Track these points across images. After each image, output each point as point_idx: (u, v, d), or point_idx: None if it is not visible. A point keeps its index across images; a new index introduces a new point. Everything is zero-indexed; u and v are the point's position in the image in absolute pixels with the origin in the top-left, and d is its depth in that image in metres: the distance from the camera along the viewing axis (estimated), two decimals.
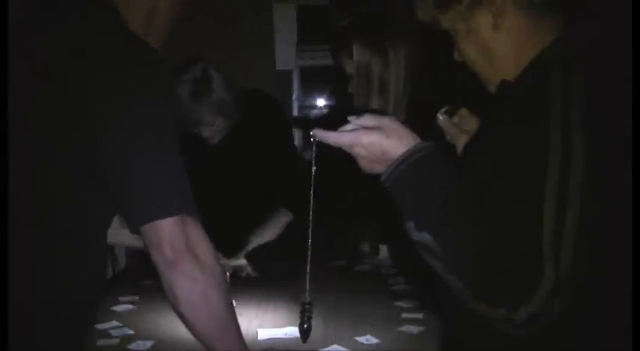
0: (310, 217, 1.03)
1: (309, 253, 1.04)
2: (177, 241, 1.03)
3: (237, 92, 2.21)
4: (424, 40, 1.08)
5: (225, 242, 1.75)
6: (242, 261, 2.02)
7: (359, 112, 1.00)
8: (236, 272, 2.00)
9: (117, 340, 1.59)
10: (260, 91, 2.42)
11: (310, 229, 1.03)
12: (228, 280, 1.72)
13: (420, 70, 1.73)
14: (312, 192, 1.02)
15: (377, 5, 1.84)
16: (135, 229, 1.05)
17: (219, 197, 2.17)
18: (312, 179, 1.01)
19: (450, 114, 1.33)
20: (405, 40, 1.71)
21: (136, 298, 1.93)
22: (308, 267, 1.04)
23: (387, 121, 0.97)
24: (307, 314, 1.06)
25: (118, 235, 1.33)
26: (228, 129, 2.25)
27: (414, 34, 1.39)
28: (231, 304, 1.12)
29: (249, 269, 2.03)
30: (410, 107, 1.73)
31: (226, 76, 2.19)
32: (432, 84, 1.67)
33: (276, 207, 2.13)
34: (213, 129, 2.21)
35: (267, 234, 2.07)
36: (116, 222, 1.21)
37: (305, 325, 1.06)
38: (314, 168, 1.01)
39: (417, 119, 1.34)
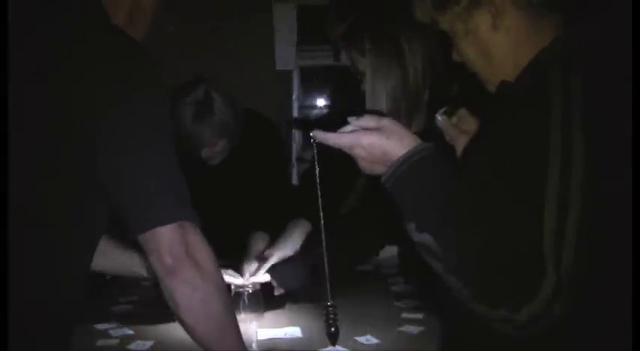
0: (321, 219, 1.02)
1: (324, 254, 1.03)
2: (176, 248, 1.02)
3: (240, 113, 2.21)
4: (441, 36, 1.06)
5: (223, 257, 1.67)
6: (265, 277, 1.85)
7: (359, 113, 1.00)
8: (257, 290, 1.74)
9: (117, 340, 1.59)
10: (258, 113, 2.42)
11: (322, 230, 1.02)
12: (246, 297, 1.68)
13: (439, 67, 1.68)
14: (319, 192, 1.01)
15: (376, 5, 1.82)
16: (133, 237, 1.05)
17: (215, 216, 2.15)
18: (317, 180, 1.01)
19: (449, 114, 1.33)
20: (420, 35, 1.66)
21: (136, 298, 1.94)
22: (326, 268, 1.03)
23: (386, 122, 0.97)
24: (332, 317, 1.03)
25: (101, 260, 1.29)
26: (229, 151, 2.25)
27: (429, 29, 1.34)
28: (232, 308, 1.12)
29: (274, 284, 1.84)
30: (431, 104, 1.68)
31: (229, 97, 2.19)
32: (453, 81, 1.63)
33: (291, 218, 2.00)
34: (214, 150, 2.21)
35: (289, 248, 1.91)
36: (100, 246, 1.19)
37: (332, 329, 1.03)
38: (317, 169, 1.01)
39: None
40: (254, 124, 2.32)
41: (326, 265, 1.03)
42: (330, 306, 1.04)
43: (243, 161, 2.27)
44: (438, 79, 1.68)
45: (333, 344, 1.04)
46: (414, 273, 1.95)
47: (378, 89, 1.69)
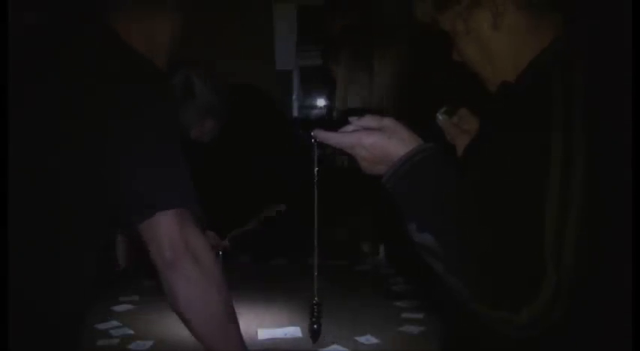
0: (315, 218, 1.02)
1: (315, 253, 1.04)
2: (176, 241, 1.02)
3: (224, 93, 2.25)
4: (419, 42, 1.08)
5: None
6: (225, 243, 2.20)
7: (360, 113, 1.00)
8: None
9: (117, 340, 1.59)
10: (250, 87, 2.45)
11: (316, 229, 1.03)
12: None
13: (409, 76, 1.75)
14: (315, 192, 1.02)
15: (375, 7, 1.85)
16: (134, 227, 1.05)
17: (212, 195, 2.20)
18: (316, 180, 1.01)
19: (450, 114, 1.33)
20: (393, 49, 1.74)
21: (136, 298, 1.94)
22: (315, 267, 1.04)
23: (388, 122, 0.97)
24: (316, 314, 1.05)
25: None
26: (219, 129, 2.28)
27: (405, 40, 1.42)
28: (231, 304, 1.12)
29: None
30: (402, 109, 1.74)
31: (210, 79, 2.23)
32: (426, 87, 1.68)
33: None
34: (202, 130, 2.25)
35: (250, 223, 2.25)
36: None
37: (315, 326, 1.05)
38: (316, 169, 1.01)
39: (408, 121, 1.34)
40: (245, 97, 2.38)
41: (315, 266, 1.04)
42: (315, 304, 1.06)
43: (235, 135, 2.33)
44: (404, 91, 1.75)
45: (315, 341, 1.07)
46: (409, 272, 1.98)
47: (347, 100, 1.79)
